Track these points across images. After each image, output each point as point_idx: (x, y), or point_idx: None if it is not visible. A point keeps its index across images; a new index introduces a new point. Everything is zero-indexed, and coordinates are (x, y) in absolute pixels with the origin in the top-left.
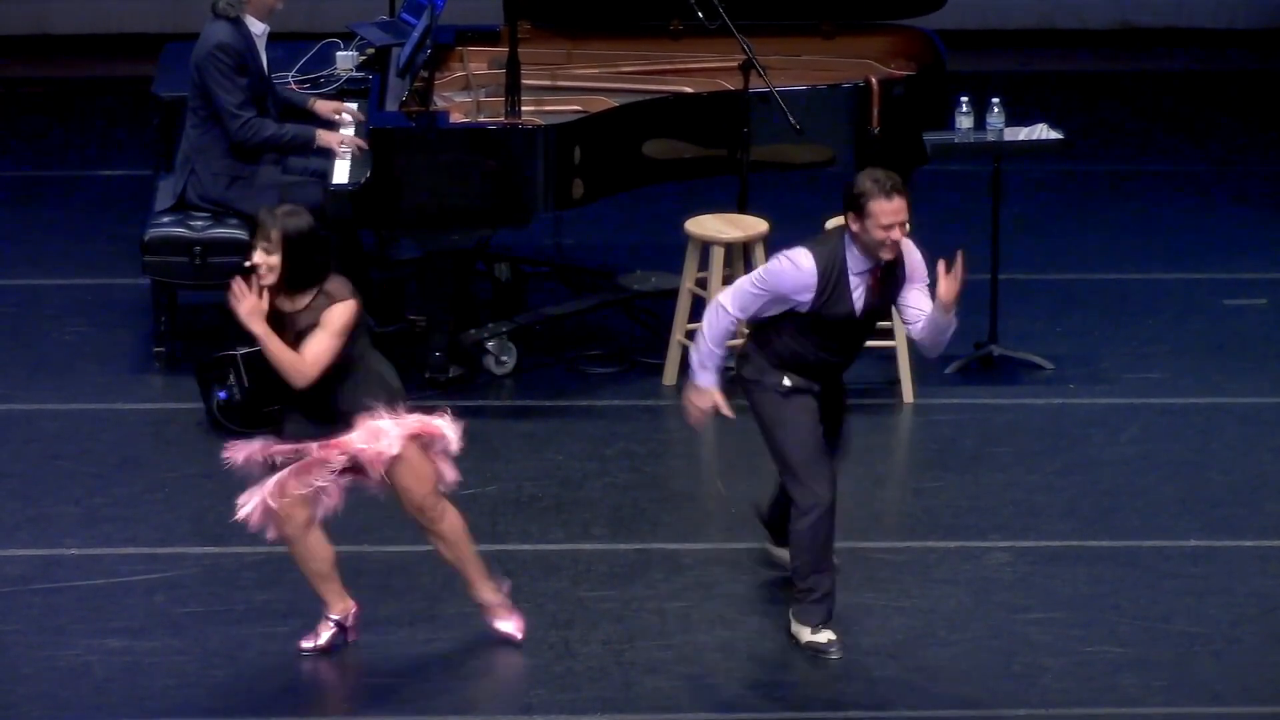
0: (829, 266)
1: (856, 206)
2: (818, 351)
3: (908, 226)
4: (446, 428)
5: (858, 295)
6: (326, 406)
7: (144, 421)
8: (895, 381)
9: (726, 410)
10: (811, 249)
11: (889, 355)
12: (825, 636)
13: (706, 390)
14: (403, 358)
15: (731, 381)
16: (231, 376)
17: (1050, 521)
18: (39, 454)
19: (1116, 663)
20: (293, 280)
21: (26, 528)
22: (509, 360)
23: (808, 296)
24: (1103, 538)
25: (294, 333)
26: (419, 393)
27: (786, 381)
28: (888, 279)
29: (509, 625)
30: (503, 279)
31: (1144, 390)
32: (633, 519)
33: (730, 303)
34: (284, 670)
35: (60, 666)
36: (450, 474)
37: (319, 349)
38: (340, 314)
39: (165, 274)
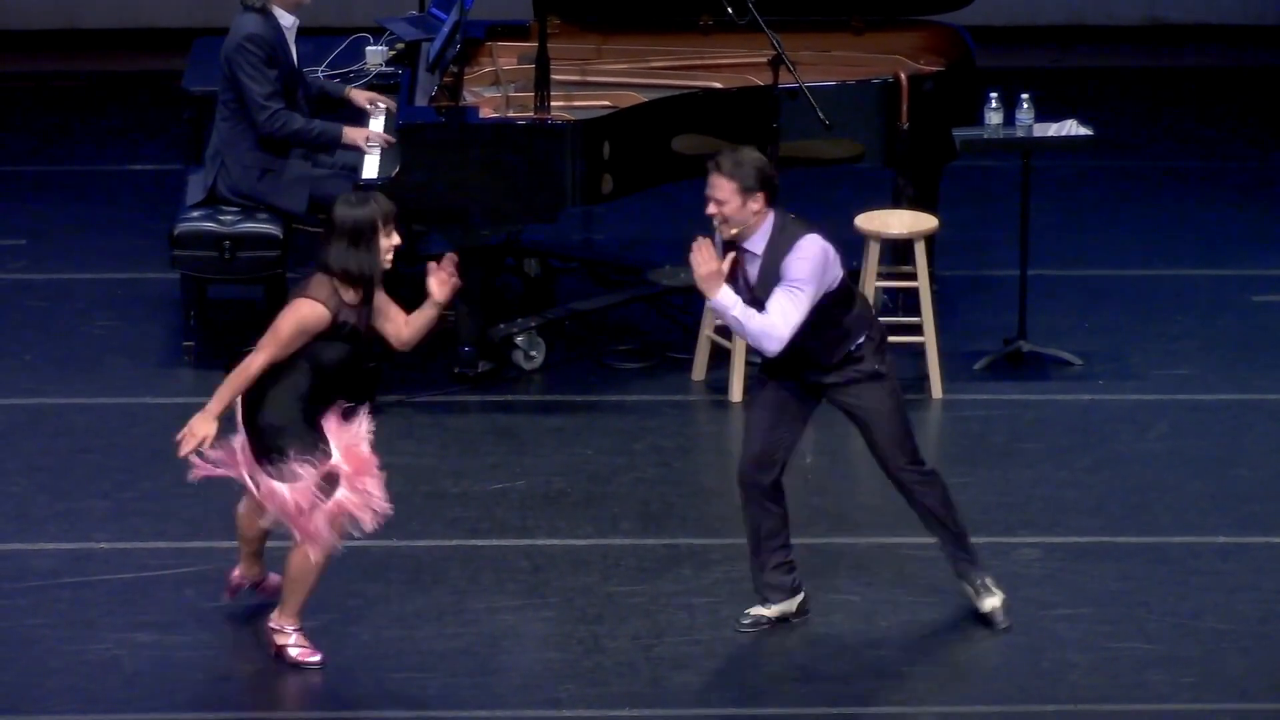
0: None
1: None
2: None
3: (721, 209)
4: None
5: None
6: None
7: (173, 415)
8: (924, 377)
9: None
10: None
11: (918, 351)
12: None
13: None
14: (432, 353)
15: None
16: None
17: (1079, 518)
18: (69, 448)
19: (1145, 659)
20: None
21: (56, 522)
22: (538, 355)
23: None
24: (1131, 534)
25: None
26: (448, 388)
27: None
28: (764, 265)
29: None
30: (532, 274)
31: (1173, 386)
32: (661, 514)
33: None
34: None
35: (90, 660)
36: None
37: None
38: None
39: (195, 268)
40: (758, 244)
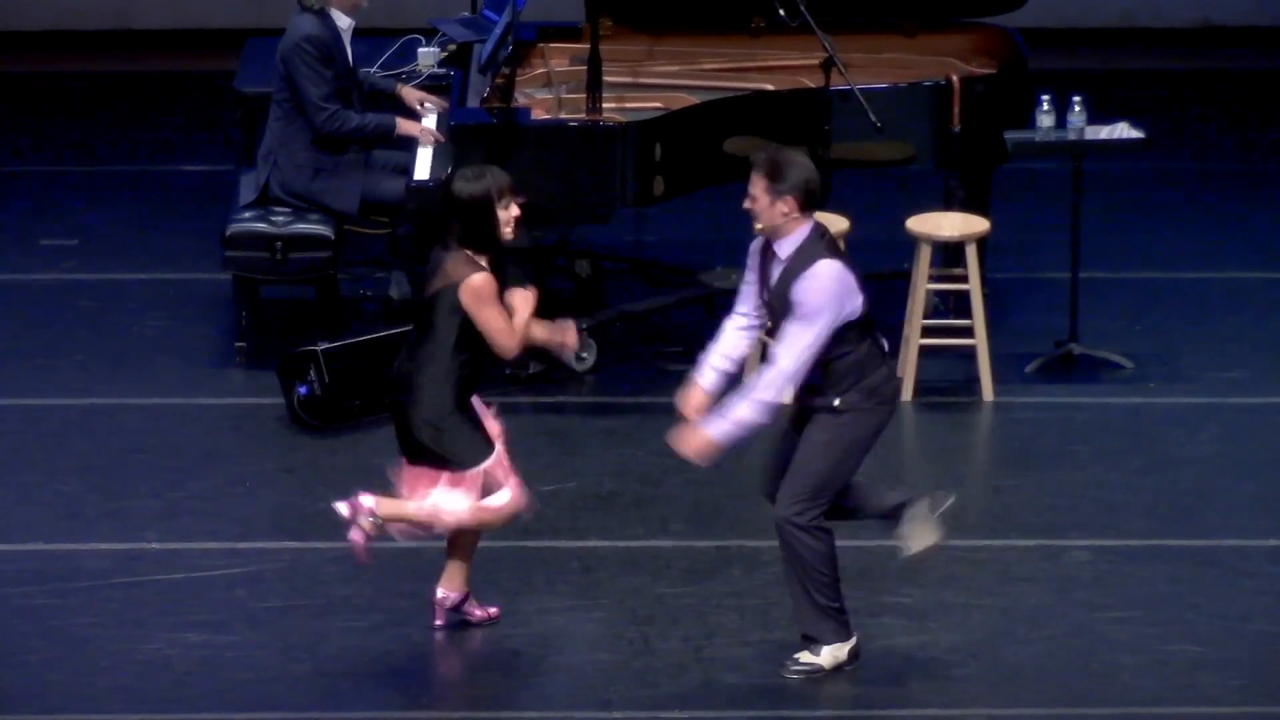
0: None
1: None
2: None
3: (753, 204)
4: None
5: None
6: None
7: (225, 416)
8: (975, 380)
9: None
10: None
11: (969, 354)
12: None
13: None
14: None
15: None
16: (312, 372)
17: (1129, 520)
18: (120, 448)
19: (1195, 662)
20: None
21: (108, 521)
22: (589, 357)
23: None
24: (1182, 537)
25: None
26: (500, 389)
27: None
28: (782, 273)
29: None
30: (583, 275)
31: (1224, 389)
32: (712, 515)
33: None
34: (363, 665)
35: (140, 660)
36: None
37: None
38: None
39: (247, 269)
40: (785, 249)
